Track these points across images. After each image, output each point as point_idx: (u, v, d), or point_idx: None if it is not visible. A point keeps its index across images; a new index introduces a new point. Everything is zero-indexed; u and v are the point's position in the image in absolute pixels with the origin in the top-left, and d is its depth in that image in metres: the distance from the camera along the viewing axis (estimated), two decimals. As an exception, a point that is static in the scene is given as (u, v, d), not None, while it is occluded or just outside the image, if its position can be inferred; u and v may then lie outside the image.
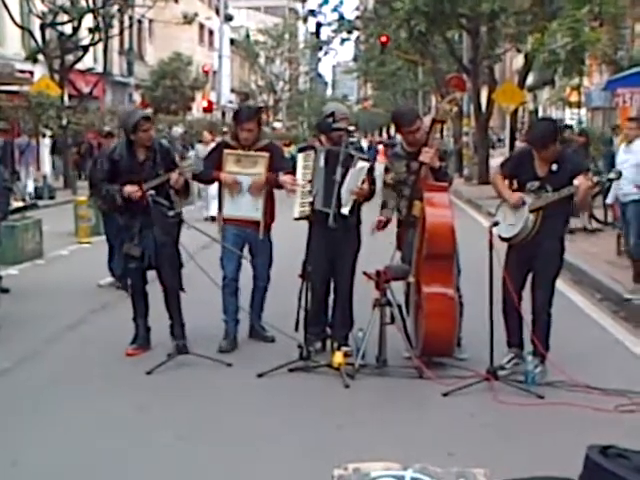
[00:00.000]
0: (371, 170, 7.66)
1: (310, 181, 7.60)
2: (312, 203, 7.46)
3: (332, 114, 7.79)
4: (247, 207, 8.03)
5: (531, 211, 7.05)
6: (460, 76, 29.59)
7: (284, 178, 7.74)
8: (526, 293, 7.39)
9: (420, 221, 7.43)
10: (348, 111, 8.41)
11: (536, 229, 7.07)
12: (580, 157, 9.13)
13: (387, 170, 7.92)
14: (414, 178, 7.60)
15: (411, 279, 7.53)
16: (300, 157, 7.75)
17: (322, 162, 7.61)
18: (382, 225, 7.86)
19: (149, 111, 7.92)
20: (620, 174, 7.38)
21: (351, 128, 7.81)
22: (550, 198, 7.03)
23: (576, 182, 6.88)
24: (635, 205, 10.56)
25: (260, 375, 7.15)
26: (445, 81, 30.43)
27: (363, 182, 7.55)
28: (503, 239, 7.23)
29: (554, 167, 7.11)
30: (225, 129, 21.03)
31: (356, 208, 7.70)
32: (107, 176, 7.86)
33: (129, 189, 7.60)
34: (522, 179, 7.29)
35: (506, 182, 7.47)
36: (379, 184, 7.87)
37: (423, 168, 7.49)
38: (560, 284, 9.68)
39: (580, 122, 26.15)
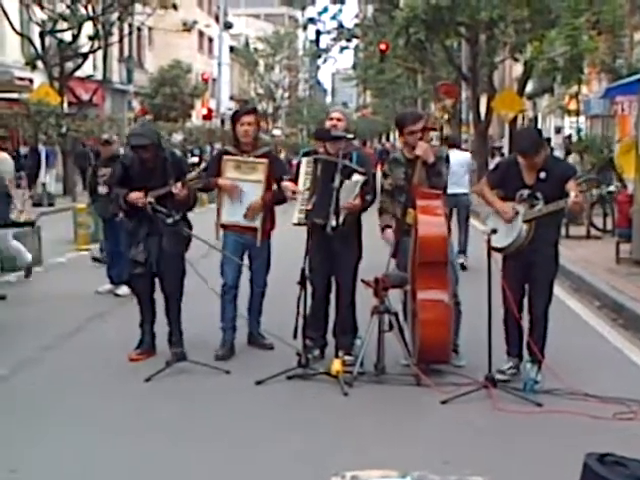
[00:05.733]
0: (366, 182, 7.62)
1: (308, 189, 7.60)
2: (309, 211, 7.46)
3: (327, 114, 7.87)
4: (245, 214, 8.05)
5: (525, 221, 7.04)
6: (450, 83, 29.69)
7: (285, 184, 7.75)
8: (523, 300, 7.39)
9: (413, 229, 7.43)
10: (341, 111, 8.22)
11: (529, 239, 7.05)
12: (566, 162, 9.09)
13: (386, 176, 7.90)
14: (410, 185, 7.58)
15: (408, 287, 7.53)
16: (304, 162, 7.75)
17: (319, 172, 7.62)
18: (392, 236, 7.82)
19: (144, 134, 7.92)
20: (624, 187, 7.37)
21: (350, 135, 7.77)
22: (544, 210, 7.00)
23: (572, 194, 6.83)
24: None
25: (258, 382, 7.14)
26: (435, 88, 30.56)
27: (356, 197, 7.51)
28: (496, 249, 7.19)
29: (542, 175, 7.09)
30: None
31: (356, 217, 7.69)
32: (118, 180, 7.93)
33: (134, 196, 7.65)
34: (510, 188, 7.24)
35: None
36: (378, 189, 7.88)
37: (418, 164, 7.47)
38: (559, 291, 9.72)
39: (579, 130, 26.14)
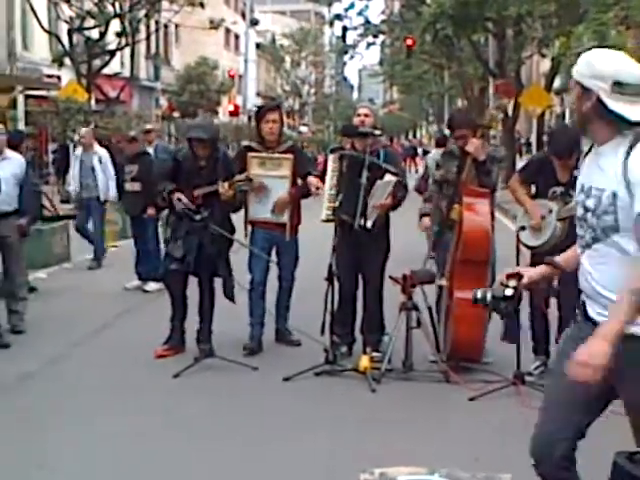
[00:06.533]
0: (398, 183, 7.60)
1: (335, 185, 7.61)
2: (336, 207, 7.46)
3: (354, 110, 7.91)
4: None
5: (559, 219, 6.99)
6: (509, 82, 29.40)
7: (310, 179, 7.77)
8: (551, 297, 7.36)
9: (457, 225, 7.40)
10: (368, 107, 8.18)
11: (563, 237, 7.00)
12: None
13: (438, 166, 7.82)
14: (458, 180, 7.52)
15: (444, 282, 7.51)
16: (330, 158, 7.76)
17: (345, 168, 7.62)
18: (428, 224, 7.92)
19: (201, 134, 7.93)
20: None
21: (377, 132, 7.76)
22: None
23: None
24: None
25: (286, 379, 7.16)
26: (495, 87, 30.34)
27: (388, 196, 7.53)
28: (529, 247, 7.16)
29: (576, 172, 7.02)
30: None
31: (385, 215, 7.68)
32: (168, 173, 7.97)
33: (177, 196, 7.65)
34: (542, 185, 7.19)
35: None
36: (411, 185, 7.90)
37: (468, 161, 7.42)
38: (587, 288, 9.62)
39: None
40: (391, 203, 7.58)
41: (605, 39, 19.47)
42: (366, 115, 7.80)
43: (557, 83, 31.87)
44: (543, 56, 30.96)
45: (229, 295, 7.95)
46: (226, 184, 7.61)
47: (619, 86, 3.45)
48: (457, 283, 7.34)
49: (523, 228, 6.99)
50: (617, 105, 3.45)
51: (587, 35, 20.01)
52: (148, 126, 14.98)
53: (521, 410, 6.42)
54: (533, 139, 30.82)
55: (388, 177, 7.47)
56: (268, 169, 8.03)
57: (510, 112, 29.88)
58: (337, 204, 7.45)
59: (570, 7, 24.40)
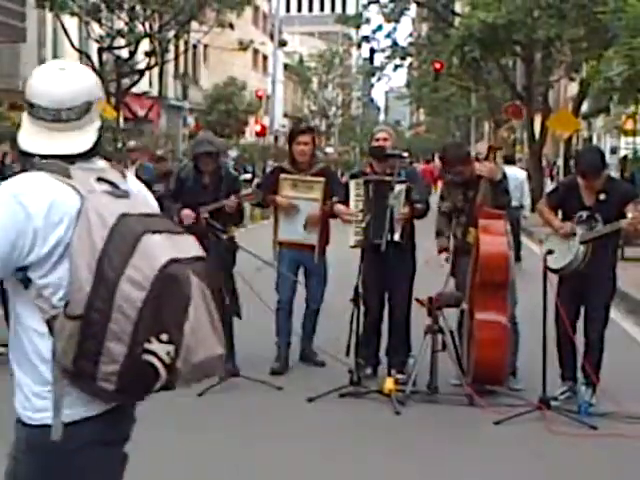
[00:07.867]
0: (410, 189, 7.62)
1: (362, 210, 7.62)
2: (365, 232, 7.46)
3: (371, 135, 7.98)
4: (302, 231, 8.07)
5: (582, 242, 6.98)
6: (517, 104, 29.52)
7: (339, 208, 7.78)
8: (578, 323, 7.32)
9: (474, 248, 7.39)
10: (387, 131, 8.24)
11: (587, 260, 6.99)
12: (627, 184, 9.20)
13: (443, 198, 7.89)
14: (470, 205, 7.56)
15: (465, 306, 7.49)
16: (352, 184, 7.77)
17: (371, 193, 7.63)
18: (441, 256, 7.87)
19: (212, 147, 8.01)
20: None
21: (404, 154, 7.80)
22: (602, 231, 6.95)
23: (630, 215, 6.78)
24: None
25: (310, 400, 7.14)
26: (502, 109, 30.44)
27: (404, 205, 7.54)
28: (552, 270, 7.14)
29: (602, 196, 7.02)
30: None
31: (409, 233, 7.70)
32: (172, 193, 8.02)
33: (185, 212, 7.72)
34: (569, 209, 7.21)
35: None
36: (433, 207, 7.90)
37: (482, 184, 7.42)
38: (614, 313, 9.60)
39: (635, 151, 25.83)
40: (410, 212, 7.58)
41: (635, 64, 19.43)
42: (385, 139, 7.83)
43: (585, 107, 31.78)
44: (572, 80, 30.92)
45: (235, 311, 7.93)
46: (232, 201, 7.69)
47: (33, 108, 2.67)
48: (478, 306, 7.32)
49: (550, 252, 6.97)
50: (25, 131, 2.71)
51: (617, 59, 19.97)
52: (131, 143, 14.63)
53: (546, 435, 6.38)
54: (560, 163, 30.76)
55: (398, 187, 7.50)
56: (300, 191, 8.05)
57: (537, 136, 29.84)
58: (364, 225, 7.46)
59: (600, 31, 24.38)
